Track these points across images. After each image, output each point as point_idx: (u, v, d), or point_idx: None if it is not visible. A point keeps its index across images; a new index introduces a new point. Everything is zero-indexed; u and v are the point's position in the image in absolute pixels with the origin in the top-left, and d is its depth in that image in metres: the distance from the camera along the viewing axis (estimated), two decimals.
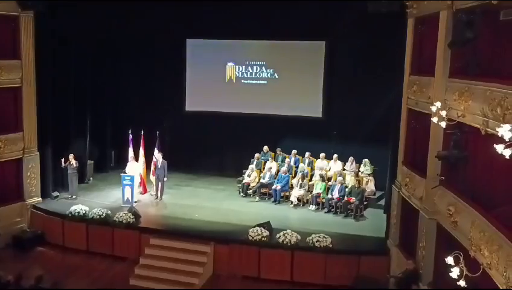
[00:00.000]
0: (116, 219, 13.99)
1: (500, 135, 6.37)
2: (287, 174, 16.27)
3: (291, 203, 15.70)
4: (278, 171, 16.63)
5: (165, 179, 15.97)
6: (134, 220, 14.04)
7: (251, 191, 16.51)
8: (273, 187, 16.09)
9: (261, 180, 16.49)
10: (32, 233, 14.73)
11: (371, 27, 14.60)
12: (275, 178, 16.38)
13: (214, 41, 18.43)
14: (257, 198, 16.27)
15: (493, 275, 7.42)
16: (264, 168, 17.05)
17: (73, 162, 15.69)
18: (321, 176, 15.80)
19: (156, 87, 18.75)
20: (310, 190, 15.96)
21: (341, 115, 16.92)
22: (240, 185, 16.85)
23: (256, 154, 17.46)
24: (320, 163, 16.64)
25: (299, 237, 12.87)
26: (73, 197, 15.87)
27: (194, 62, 18.90)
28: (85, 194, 16.38)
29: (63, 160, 15.59)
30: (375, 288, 11.98)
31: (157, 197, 16.07)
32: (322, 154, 16.72)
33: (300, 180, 15.87)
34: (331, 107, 17.47)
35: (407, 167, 12.18)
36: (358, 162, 16.45)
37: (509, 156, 6.29)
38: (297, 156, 17.25)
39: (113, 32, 17.36)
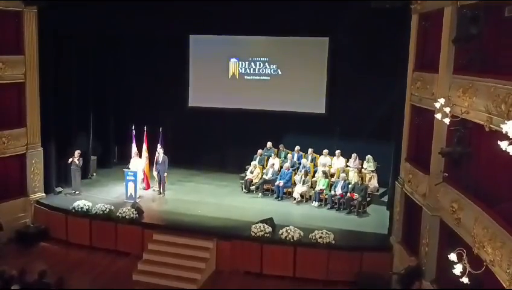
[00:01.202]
0: (119, 215, 14.04)
1: (504, 132, 6.34)
2: (290, 170, 16.27)
3: (294, 199, 15.70)
4: (281, 167, 16.61)
5: (165, 174, 16.00)
6: (137, 215, 14.08)
7: (254, 187, 16.51)
8: (276, 183, 16.09)
9: (264, 177, 16.49)
10: (35, 228, 14.78)
11: (374, 23, 14.52)
12: (278, 174, 16.38)
13: (217, 37, 18.41)
14: (260, 194, 16.27)
15: (496, 272, 7.40)
16: (267, 164, 17.04)
17: (76, 160, 15.71)
18: (324, 173, 15.79)
19: (159, 83, 18.74)
20: (312, 186, 15.95)
21: (344, 111, 16.88)
22: (243, 181, 16.85)
23: (259, 151, 17.46)
24: (323, 159, 16.62)
25: (301, 233, 12.88)
26: (77, 192, 15.91)
27: (197, 58, 18.89)
28: (88, 189, 16.42)
29: (71, 159, 15.69)
30: (378, 284, 11.98)
31: (160, 192, 16.10)
32: (325, 151, 16.69)
33: (303, 176, 15.86)
34: (334, 103, 17.44)
35: (410, 163, 12.16)
36: (361, 158, 16.43)
37: None
38: (300, 152, 17.24)
39: (116, 28, 17.32)
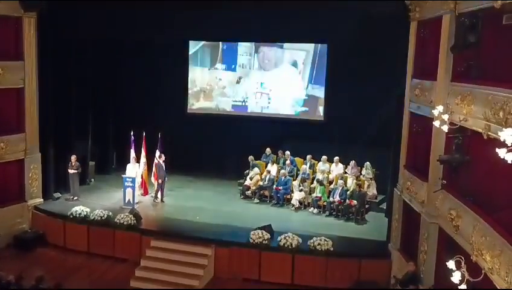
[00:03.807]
0: (118, 221, 14.00)
1: (502, 140, 6.35)
2: (287, 176, 16.24)
3: (293, 206, 15.67)
4: (280, 173, 16.59)
5: (166, 179, 16.03)
6: (135, 221, 14.04)
7: (251, 192, 16.45)
8: (274, 190, 16.06)
9: (262, 183, 16.46)
10: (33, 234, 14.73)
11: (373, 30, 14.56)
12: (276, 180, 16.34)
13: (216, 43, 18.46)
14: (257, 200, 16.23)
15: (495, 280, 7.39)
16: (265, 171, 17.00)
17: (72, 164, 15.70)
18: (318, 181, 15.75)
19: (158, 88, 18.74)
20: (311, 192, 15.93)
21: (343, 118, 16.89)
22: (241, 187, 16.82)
23: (250, 157, 17.34)
24: (322, 166, 16.60)
25: (300, 240, 12.85)
26: (75, 198, 15.88)
27: (196, 63, 18.88)
28: (86, 195, 16.37)
29: (69, 164, 15.73)
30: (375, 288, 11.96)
31: (157, 199, 16.03)
32: (324, 157, 16.67)
33: (301, 183, 15.83)
34: (333, 109, 17.47)
35: (408, 170, 12.16)
36: (360, 165, 16.42)
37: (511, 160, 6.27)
38: (291, 157, 17.19)
39: (116, 34, 17.36)
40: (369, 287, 12.02)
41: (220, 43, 18.52)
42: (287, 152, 17.23)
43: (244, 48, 18.45)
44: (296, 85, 17.96)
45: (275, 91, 18.26)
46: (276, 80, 18.23)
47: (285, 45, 17.94)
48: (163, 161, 16.02)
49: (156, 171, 16.08)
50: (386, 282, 12.05)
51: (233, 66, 18.64)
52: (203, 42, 18.69)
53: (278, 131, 17.81)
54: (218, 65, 18.75)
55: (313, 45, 17.66)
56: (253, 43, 18.15)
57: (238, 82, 18.66)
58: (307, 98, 17.92)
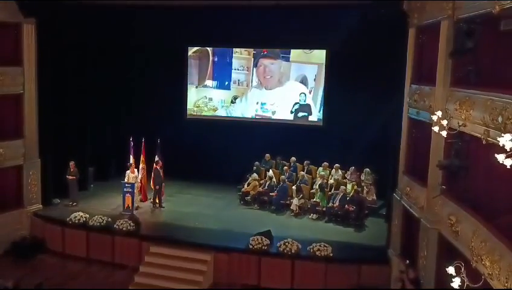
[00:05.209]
0: (117, 227, 13.97)
1: (501, 145, 6.36)
2: (286, 182, 16.23)
3: (292, 211, 15.65)
4: (279, 179, 16.58)
5: (163, 185, 16.02)
6: (134, 227, 14.02)
7: (250, 198, 16.43)
8: (273, 195, 16.04)
9: (261, 189, 16.45)
10: (32, 240, 14.68)
11: (372, 36, 14.65)
12: (275, 186, 16.33)
13: (205, 53, 18.45)
14: (256, 205, 16.21)
15: (495, 286, 7.38)
16: (264, 177, 17.00)
17: (71, 171, 15.69)
18: (320, 186, 15.75)
19: (157, 94, 18.76)
20: (310, 198, 15.91)
21: (342, 124, 16.92)
22: (240, 193, 16.81)
23: (256, 162, 17.40)
24: (322, 172, 16.59)
25: (299, 246, 12.83)
26: (74, 204, 15.84)
27: (195, 69, 18.87)
28: (85, 201, 16.32)
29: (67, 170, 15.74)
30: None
31: (155, 204, 16.00)
32: (325, 164, 16.68)
33: (297, 189, 15.81)
34: (332, 115, 17.50)
35: (408, 176, 12.17)
36: (359, 171, 16.41)
37: (510, 165, 6.27)
38: (296, 164, 17.22)
39: (115, 40, 17.43)
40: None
41: (210, 54, 18.34)
42: (293, 158, 17.23)
43: (240, 61, 18.11)
44: (295, 90, 17.85)
45: (279, 113, 17.98)
46: (281, 99, 17.95)
47: (292, 56, 17.78)
48: (160, 167, 16.01)
49: (153, 177, 16.06)
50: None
51: (226, 83, 18.29)
52: (189, 53, 18.54)
53: (277, 137, 17.81)
54: (208, 82, 18.33)
55: (312, 50, 17.59)
56: (252, 53, 18.09)
57: (232, 102, 18.30)
58: (305, 103, 17.79)
